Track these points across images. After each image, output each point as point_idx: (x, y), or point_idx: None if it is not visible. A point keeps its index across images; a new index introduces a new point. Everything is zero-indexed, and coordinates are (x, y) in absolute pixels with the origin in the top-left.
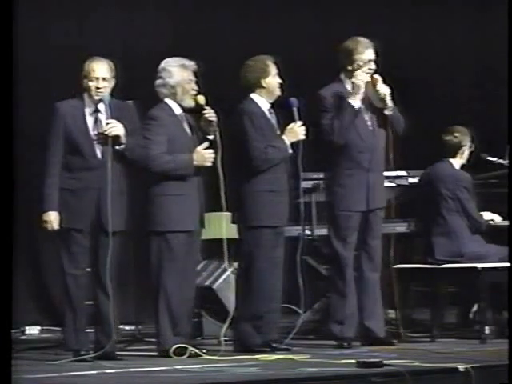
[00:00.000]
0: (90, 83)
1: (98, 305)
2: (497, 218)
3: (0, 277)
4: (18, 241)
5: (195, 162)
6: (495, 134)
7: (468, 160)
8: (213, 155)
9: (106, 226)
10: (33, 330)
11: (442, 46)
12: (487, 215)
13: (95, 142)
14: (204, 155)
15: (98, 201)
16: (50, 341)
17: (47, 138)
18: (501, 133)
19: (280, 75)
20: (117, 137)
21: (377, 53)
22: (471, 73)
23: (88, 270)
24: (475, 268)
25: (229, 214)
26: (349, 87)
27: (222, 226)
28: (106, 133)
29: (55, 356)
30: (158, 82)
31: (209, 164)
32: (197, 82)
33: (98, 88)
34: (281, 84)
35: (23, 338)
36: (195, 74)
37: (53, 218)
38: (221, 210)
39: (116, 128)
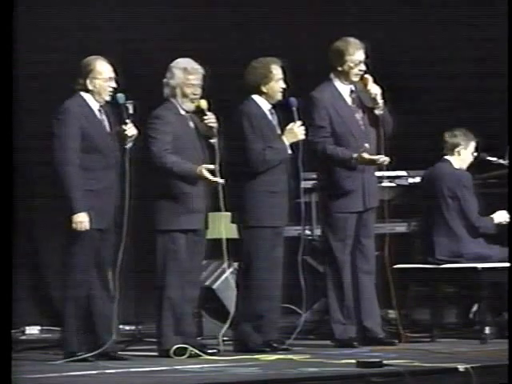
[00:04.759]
0: (103, 83)
1: (98, 305)
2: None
3: (0, 277)
4: (17, 241)
5: (197, 173)
6: (495, 133)
7: (468, 167)
8: (215, 179)
9: (118, 226)
10: (33, 330)
11: (441, 45)
12: (502, 215)
13: (112, 142)
14: (207, 176)
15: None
16: (49, 341)
17: (60, 139)
18: (501, 133)
19: (285, 80)
20: (130, 137)
21: (367, 54)
22: (471, 73)
23: (91, 269)
24: (475, 268)
25: (228, 214)
26: (339, 87)
27: (221, 226)
28: (125, 133)
29: (55, 356)
30: (163, 80)
31: (209, 182)
32: (202, 87)
33: (109, 88)
34: (284, 89)
35: (23, 338)
36: (203, 78)
37: (84, 219)
38: (220, 210)
39: (133, 128)
